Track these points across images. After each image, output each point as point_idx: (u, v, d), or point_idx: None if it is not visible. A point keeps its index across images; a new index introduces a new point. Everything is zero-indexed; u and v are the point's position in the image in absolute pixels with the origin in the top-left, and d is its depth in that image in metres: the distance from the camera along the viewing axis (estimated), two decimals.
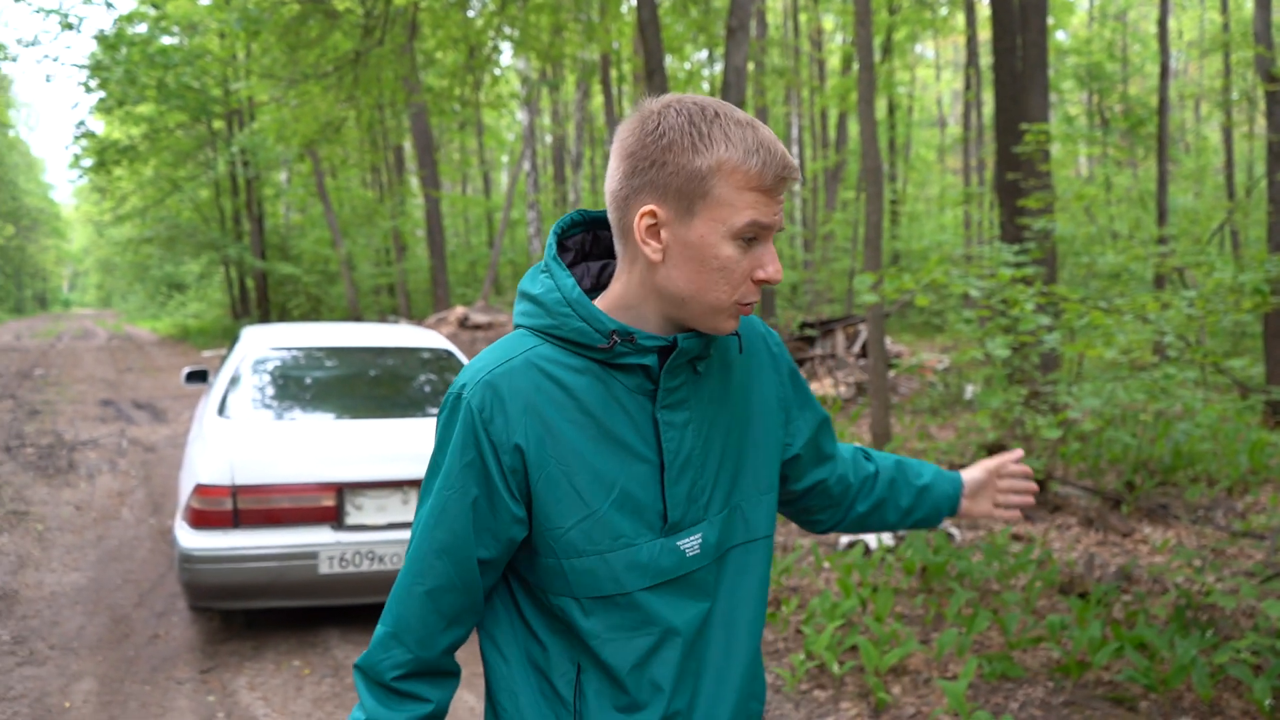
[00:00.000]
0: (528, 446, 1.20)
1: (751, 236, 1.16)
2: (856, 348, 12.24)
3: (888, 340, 13.68)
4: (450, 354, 5.61)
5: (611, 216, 1.22)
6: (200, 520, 4.07)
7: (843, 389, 11.35)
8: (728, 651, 1.32)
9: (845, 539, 5.76)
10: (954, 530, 5.84)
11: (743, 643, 1.34)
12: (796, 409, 1.45)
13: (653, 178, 1.16)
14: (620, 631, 1.24)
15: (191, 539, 4.04)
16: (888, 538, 5.64)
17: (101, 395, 13.34)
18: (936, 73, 33.68)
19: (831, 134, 25.13)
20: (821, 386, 11.65)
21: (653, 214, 1.17)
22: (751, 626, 1.35)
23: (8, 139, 44.42)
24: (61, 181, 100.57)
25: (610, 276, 1.32)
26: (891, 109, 25.11)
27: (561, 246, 1.33)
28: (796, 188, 25.06)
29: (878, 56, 19.75)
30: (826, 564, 5.25)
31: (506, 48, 22.60)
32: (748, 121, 1.16)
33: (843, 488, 1.54)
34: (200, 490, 4.08)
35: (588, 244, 1.34)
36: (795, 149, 24.08)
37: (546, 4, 13.62)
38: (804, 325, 12.63)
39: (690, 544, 1.26)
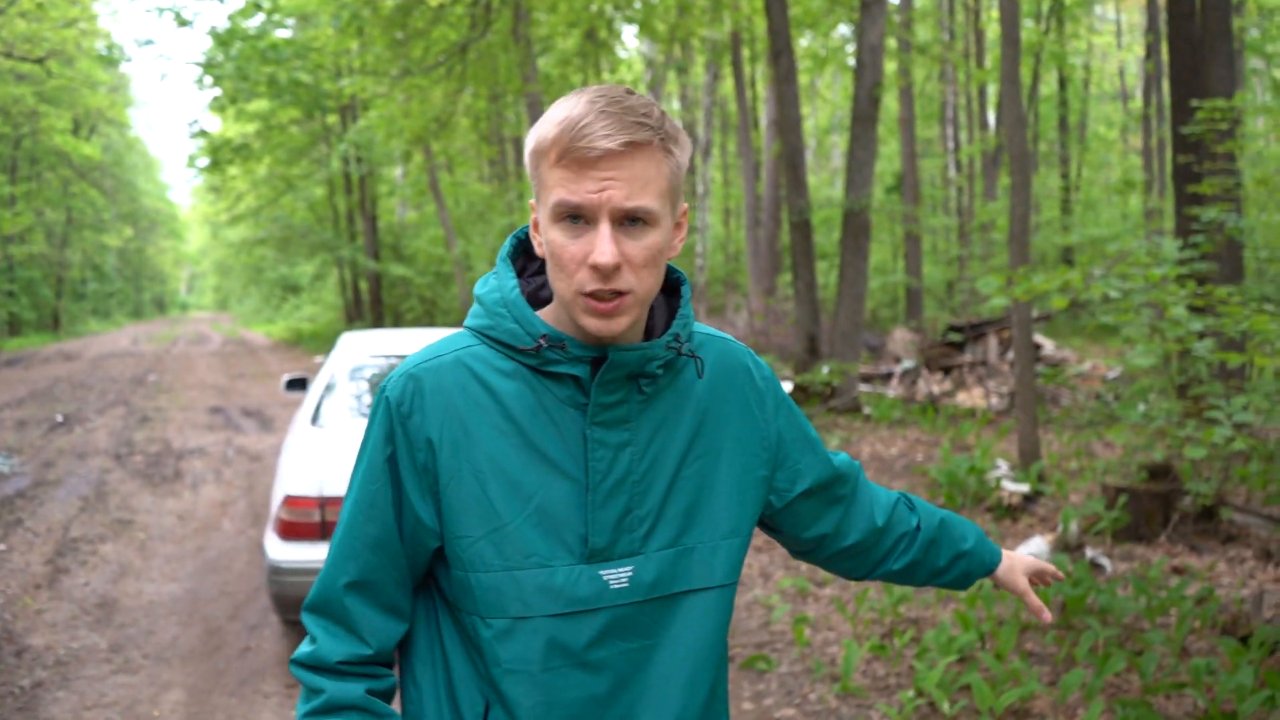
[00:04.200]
0: (441, 446, 1.23)
1: (574, 216, 1.17)
2: (1011, 354, 11.97)
3: (1051, 345, 13.30)
4: None
5: None
6: (289, 532, 4.39)
7: (994, 400, 11.14)
8: (662, 705, 1.29)
9: None
10: (1105, 560, 5.71)
11: (684, 698, 1.30)
12: (796, 450, 1.45)
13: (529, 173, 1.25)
14: (527, 664, 1.23)
15: (279, 550, 4.37)
16: None
17: (211, 402, 14.27)
18: (1118, 39, 32.35)
19: (992, 113, 24.52)
20: (970, 397, 11.45)
21: (534, 208, 1.26)
22: (698, 680, 1.32)
23: (126, 139, 47.69)
24: (178, 181, 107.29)
25: None
26: (1063, 82, 24.33)
27: (529, 253, 1.38)
28: (952, 175, 24.55)
29: (1044, 25, 19.17)
30: (951, 595, 5.23)
31: (629, 29, 22.97)
32: (591, 97, 1.16)
33: (874, 540, 1.56)
34: (289, 501, 4.40)
35: None
36: (949, 130, 23.59)
37: None
38: (951, 328, 12.42)
39: (617, 576, 1.25)
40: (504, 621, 1.23)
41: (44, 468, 9.12)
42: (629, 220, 1.17)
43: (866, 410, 11.07)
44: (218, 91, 21.16)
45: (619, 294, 1.17)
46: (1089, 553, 5.79)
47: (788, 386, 12.05)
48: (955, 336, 12.23)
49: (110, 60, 25.56)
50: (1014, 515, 6.83)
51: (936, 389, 11.93)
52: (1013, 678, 4.03)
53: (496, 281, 1.29)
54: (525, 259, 1.38)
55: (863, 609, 5.07)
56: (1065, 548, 5.94)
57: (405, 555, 1.27)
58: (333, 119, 25.33)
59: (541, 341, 1.22)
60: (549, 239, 1.19)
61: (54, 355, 24.62)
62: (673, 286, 1.38)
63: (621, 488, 1.25)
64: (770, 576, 5.86)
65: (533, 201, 1.26)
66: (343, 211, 29.22)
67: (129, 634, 4.97)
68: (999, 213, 16.91)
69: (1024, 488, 7.02)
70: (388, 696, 1.31)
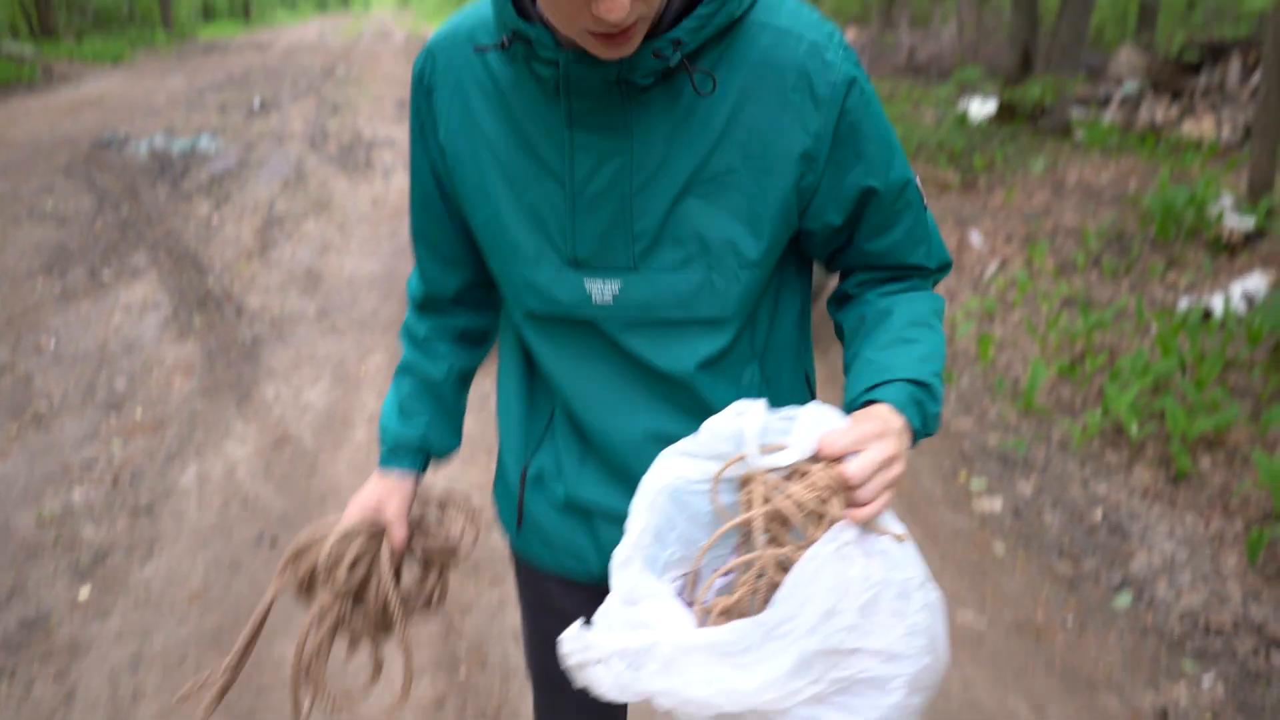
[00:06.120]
0: (450, 126, 1.21)
1: None
2: (1256, 79, 10.89)
3: None
4: None
5: None
6: None
7: (1226, 130, 10.27)
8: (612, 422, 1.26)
9: (1185, 300, 5.49)
10: None
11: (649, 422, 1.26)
12: (831, 177, 1.15)
13: None
14: (536, 343, 1.28)
15: None
16: (1239, 304, 5.32)
17: (398, 95, 14.58)
18: None
19: None
20: (1198, 126, 10.59)
21: None
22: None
23: None
24: None
25: None
26: None
27: None
28: None
29: None
30: (1153, 324, 5.07)
31: None
32: None
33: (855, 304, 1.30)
34: None
35: None
36: None
37: None
38: (1187, 46, 11.33)
39: (601, 289, 1.18)
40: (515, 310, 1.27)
41: (246, 149, 9.64)
42: None
43: (1077, 135, 10.41)
44: None
45: (630, 27, 0.99)
46: None
47: (991, 105, 11.39)
48: (1191, 56, 11.16)
49: None
50: (1233, 252, 6.44)
51: (1160, 115, 11.06)
52: (1210, 407, 3.95)
53: None
54: None
55: (1053, 332, 4.99)
56: None
57: (449, 215, 1.30)
58: None
59: (505, 41, 1.09)
60: None
61: (246, 45, 25.42)
62: None
63: (607, 197, 1.13)
64: (956, 296, 5.79)
65: None
66: None
67: (334, 302, 5.38)
68: None
69: (1249, 223, 6.57)
70: (459, 337, 1.44)
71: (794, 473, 0.98)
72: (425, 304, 1.42)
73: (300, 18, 47.87)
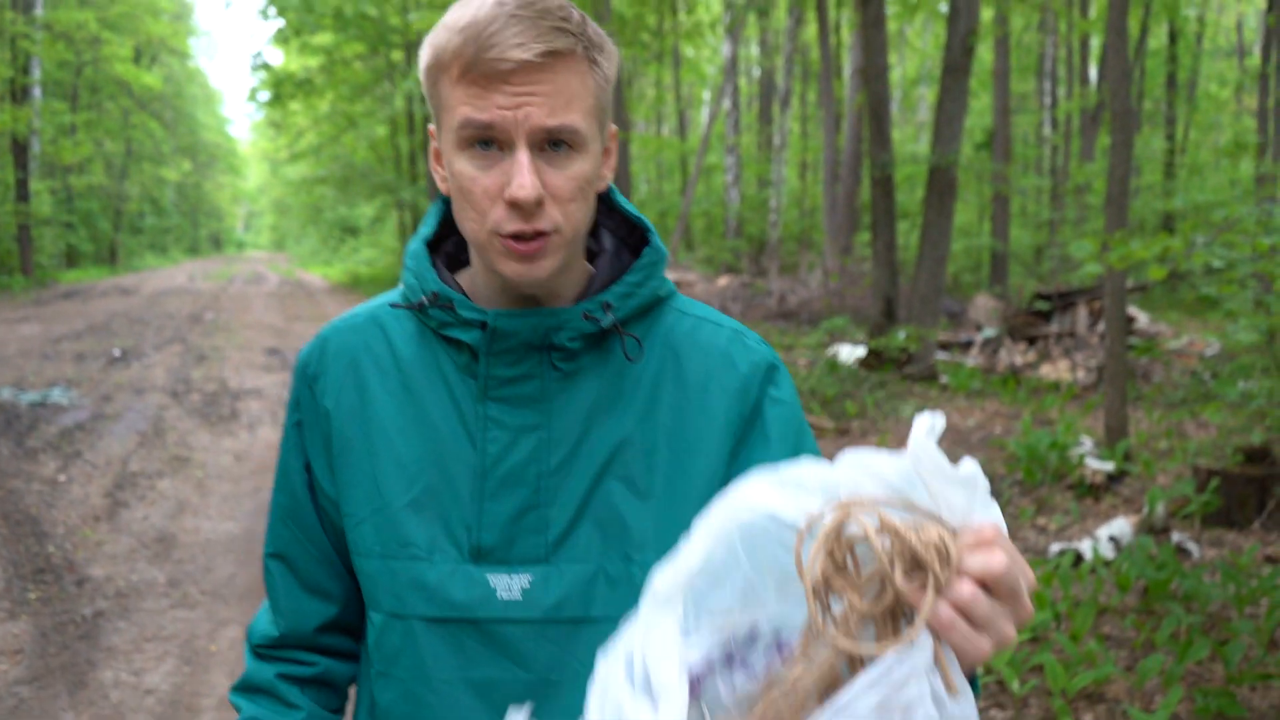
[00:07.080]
0: (337, 412, 1.15)
1: (484, 141, 1.01)
2: (1101, 326, 11.78)
3: (1145, 318, 13.05)
4: None
5: None
6: None
7: (1081, 373, 10.98)
8: None
9: (1056, 545, 5.69)
10: (1192, 545, 5.65)
11: None
12: (741, 457, 1.13)
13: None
14: (399, 670, 1.12)
15: None
16: (1106, 548, 5.53)
17: (268, 343, 14.59)
18: None
19: (1094, 68, 23.87)
20: (1055, 370, 11.30)
21: (433, 134, 1.11)
22: None
23: (187, 70, 48.52)
24: (238, 116, 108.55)
25: None
26: (1174, 36, 23.57)
27: None
28: (1047, 133, 24.00)
29: None
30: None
31: None
32: (492, 2, 0.99)
33: None
34: None
35: None
36: (1046, 85, 23.05)
37: None
38: (1038, 296, 12.24)
39: (508, 584, 1.08)
40: (380, 617, 1.12)
41: (102, 401, 9.43)
42: (551, 144, 1.01)
43: (943, 379, 10.99)
44: (282, 23, 21.45)
45: (541, 234, 1.02)
46: (1175, 537, 5.73)
47: (860, 350, 12.00)
48: (1042, 305, 12.05)
49: None
50: (1096, 495, 6.76)
51: (1019, 360, 11.79)
52: (1088, 660, 4.03)
53: (419, 230, 1.20)
54: None
55: None
56: (1150, 530, 5.88)
57: (323, 529, 1.20)
58: (397, 55, 25.46)
59: (424, 300, 1.10)
60: (454, 171, 1.03)
61: (111, 289, 25.30)
62: (637, 242, 1.19)
63: (522, 478, 1.09)
64: None
65: (432, 128, 1.11)
66: (405, 153, 29.45)
67: (187, 570, 5.17)
68: (1096, 175, 16.52)
69: (1109, 466, 6.94)
70: (314, 682, 1.24)
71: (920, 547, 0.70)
72: (274, 645, 1.24)
73: (170, 262, 48.06)
